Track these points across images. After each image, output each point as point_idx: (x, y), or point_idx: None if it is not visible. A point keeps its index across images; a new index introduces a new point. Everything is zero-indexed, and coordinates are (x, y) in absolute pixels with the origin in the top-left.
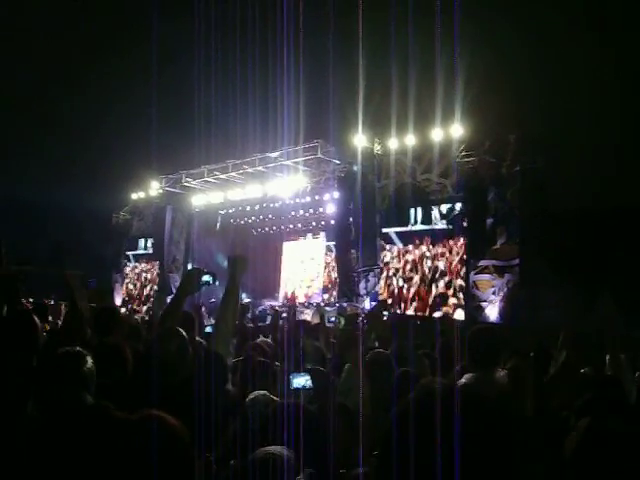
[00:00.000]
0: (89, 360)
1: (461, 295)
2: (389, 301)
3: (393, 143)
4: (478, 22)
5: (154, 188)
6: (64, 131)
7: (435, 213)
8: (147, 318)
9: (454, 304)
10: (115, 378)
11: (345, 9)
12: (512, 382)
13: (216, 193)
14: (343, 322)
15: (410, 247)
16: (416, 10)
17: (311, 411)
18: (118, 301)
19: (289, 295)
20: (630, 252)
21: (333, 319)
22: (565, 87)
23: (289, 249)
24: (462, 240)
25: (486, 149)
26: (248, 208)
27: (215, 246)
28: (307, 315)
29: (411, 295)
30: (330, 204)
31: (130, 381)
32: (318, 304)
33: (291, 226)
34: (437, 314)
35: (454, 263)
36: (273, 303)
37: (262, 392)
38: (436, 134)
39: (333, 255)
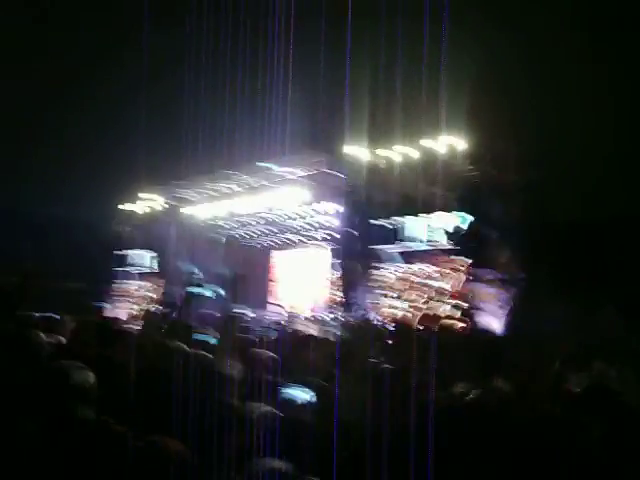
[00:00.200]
0: (90, 374)
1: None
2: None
3: (396, 155)
4: (478, 32)
5: (153, 200)
6: (58, 144)
7: (440, 231)
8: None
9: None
10: (116, 392)
11: (344, 19)
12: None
13: (216, 205)
14: (347, 335)
15: (413, 267)
16: (419, 22)
17: (312, 426)
18: (118, 309)
19: (293, 308)
20: (629, 259)
21: (337, 333)
22: (567, 99)
23: (290, 261)
24: (469, 260)
25: (488, 162)
26: (249, 220)
27: (215, 258)
28: (312, 329)
29: (416, 320)
30: (332, 217)
31: (132, 395)
32: (321, 317)
33: (293, 238)
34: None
35: (461, 285)
36: (275, 316)
37: (265, 406)
38: (438, 146)
39: (337, 268)
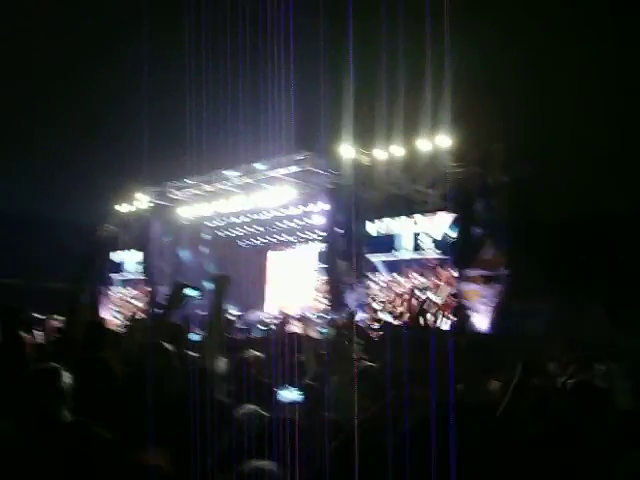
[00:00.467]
0: (66, 376)
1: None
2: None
3: (381, 154)
4: (465, 32)
5: (140, 200)
6: (48, 143)
7: (426, 239)
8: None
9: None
10: (103, 393)
11: (333, 20)
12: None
13: (203, 205)
14: (333, 333)
15: (398, 277)
16: (405, 21)
17: (301, 426)
18: (104, 314)
19: (281, 307)
20: (615, 256)
21: (324, 330)
22: (552, 98)
23: (277, 261)
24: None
25: (473, 160)
26: (236, 220)
27: (203, 258)
28: (298, 328)
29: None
30: (318, 215)
31: (118, 396)
32: (306, 315)
33: (279, 238)
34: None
35: (448, 296)
36: (261, 315)
37: (252, 406)
38: (423, 145)
39: (322, 266)
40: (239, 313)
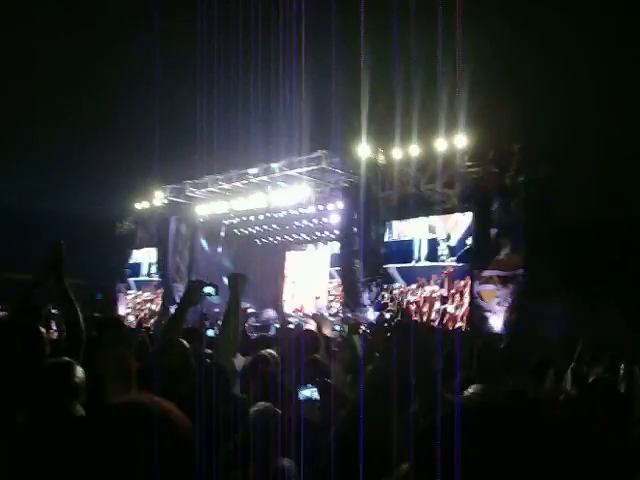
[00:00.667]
0: (79, 370)
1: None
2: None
3: (397, 153)
4: (483, 30)
5: (158, 198)
6: (66, 140)
7: (442, 248)
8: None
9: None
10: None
11: (348, 18)
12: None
13: (220, 203)
14: (347, 331)
15: (414, 287)
16: (420, 18)
17: (314, 423)
18: (122, 311)
19: (298, 306)
20: (633, 259)
21: (337, 328)
22: (571, 98)
23: (293, 259)
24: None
25: (490, 159)
26: (252, 218)
27: (219, 256)
28: (312, 325)
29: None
30: (334, 214)
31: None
32: (321, 313)
33: (295, 236)
34: (439, 307)
35: (465, 307)
36: (273, 314)
37: (266, 403)
38: (440, 144)
39: (337, 265)
40: (255, 311)
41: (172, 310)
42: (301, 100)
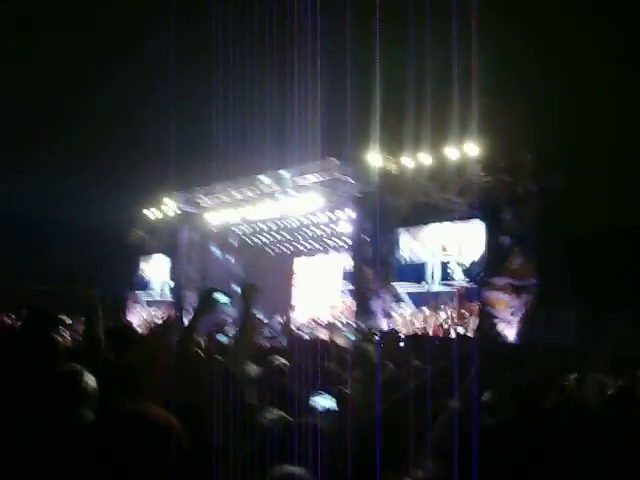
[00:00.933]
0: (89, 378)
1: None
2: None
3: (409, 162)
4: (497, 41)
5: (169, 206)
6: (78, 148)
7: (456, 268)
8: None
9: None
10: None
11: (360, 26)
12: None
13: (231, 211)
14: (360, 339)
15: (425, 310)
16: (432, 27)
17: (328, 432)
18: (133, 319)
19: (311, 316)
20: None
21: (352, 337)
22: (584, 107)
23: (304, 268)
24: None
25: (502, 168)
26: (263, 226)
27: (231, 265)
28: (324, 334)
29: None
30: (345, 222)
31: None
32: (333, 322)
33: (307, 245)
34: (453, 334)
35: (475, 324)
36: (278, 324)
37: (278, 412)
38: (452, 153)
39: (349, 274)
40: (265, 320)
41: (186, 321)
42: (313, 109)
